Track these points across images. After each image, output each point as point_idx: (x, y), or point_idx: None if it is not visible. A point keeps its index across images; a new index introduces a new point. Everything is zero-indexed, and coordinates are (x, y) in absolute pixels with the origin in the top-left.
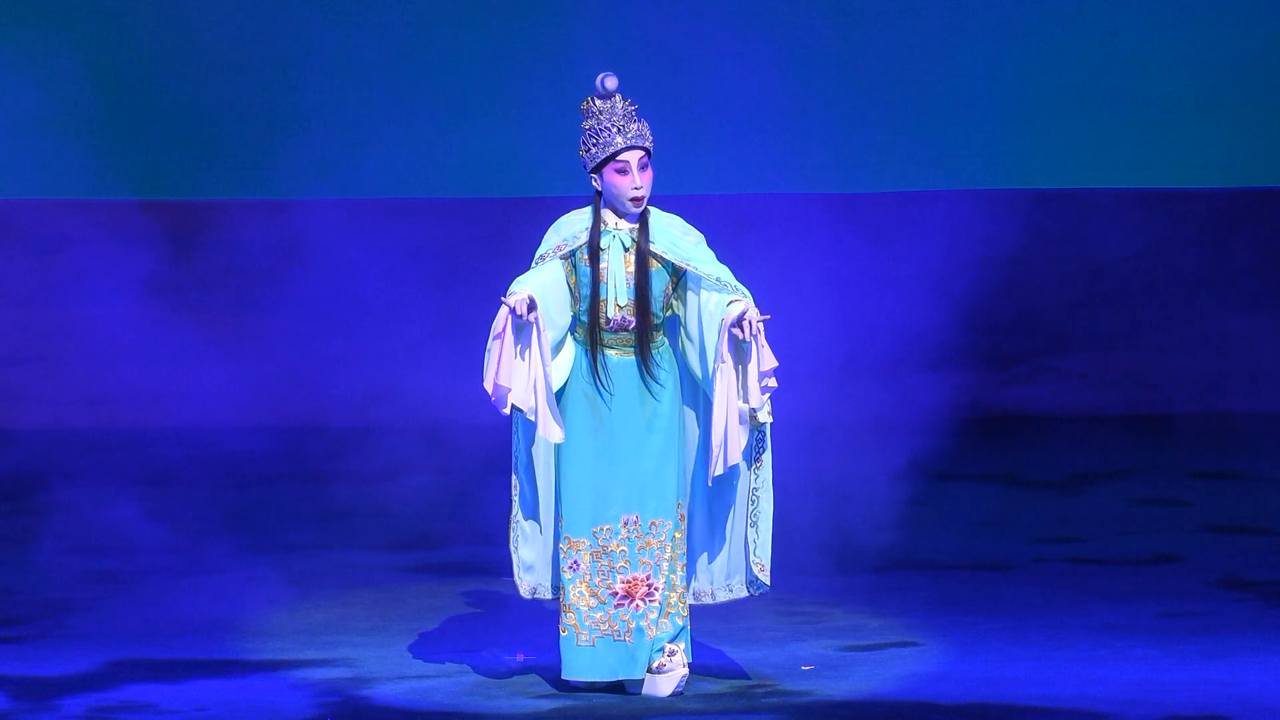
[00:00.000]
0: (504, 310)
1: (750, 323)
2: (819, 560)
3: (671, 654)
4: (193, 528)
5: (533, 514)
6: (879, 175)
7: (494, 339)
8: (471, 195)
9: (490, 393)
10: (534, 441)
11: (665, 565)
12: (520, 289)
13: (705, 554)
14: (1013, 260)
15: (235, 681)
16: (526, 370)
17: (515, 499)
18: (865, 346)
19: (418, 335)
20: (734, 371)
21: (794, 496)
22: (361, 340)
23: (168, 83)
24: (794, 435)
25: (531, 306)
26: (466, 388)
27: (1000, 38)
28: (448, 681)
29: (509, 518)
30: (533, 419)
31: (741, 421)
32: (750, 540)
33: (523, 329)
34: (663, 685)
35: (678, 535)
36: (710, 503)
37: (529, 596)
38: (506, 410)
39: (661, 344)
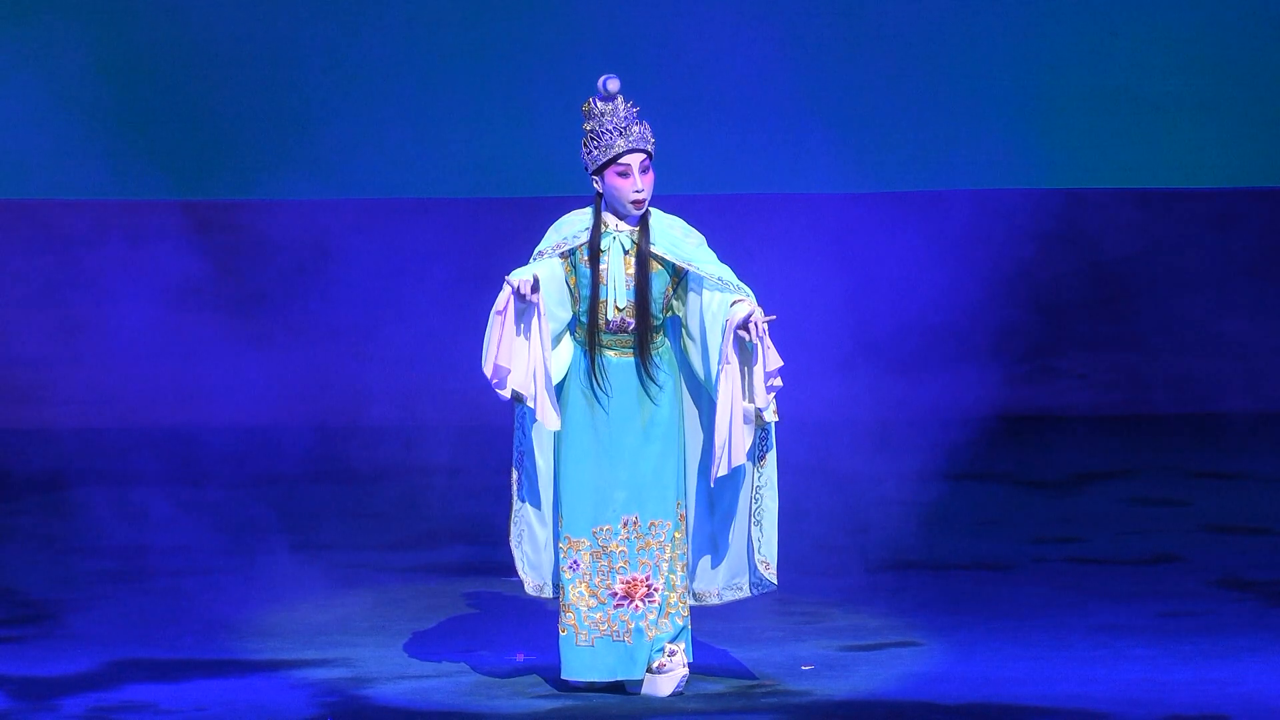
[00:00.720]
0: (506, 290)
1: (756, 324)
2: (819, 560)
3: (671, 654)
4: (194, 527)
5: (536, 510)
6: (878, 176)
7: (495, 315)
8: (486, 195)
9: (490, 375)
10: (539, 435)
11: (665, 565)
12: (523, 272)
13: (709, 554)
14: (1012, 260)
15: (235, 681)
16: (526, 354)
17: (517, 495)
18: (865, 347)
19: (428, 335)
20: (739, 372)
21: (794, 496)
22: (369, 340)
23: (187, 84)
24: (794, 436)
25: (535, 287)
26: (472, 387)
27: (1000, 37)
28: (448, 681)
29: (509, 514)
30: (531, 405)
31: (746, 421)
32: (754, 539)
33: (524, 312)
34: (663, 685)
35: (678, 535)
36: (713, 503)
37: (534, 594)
38: (506, 393)
39: (662, 345)
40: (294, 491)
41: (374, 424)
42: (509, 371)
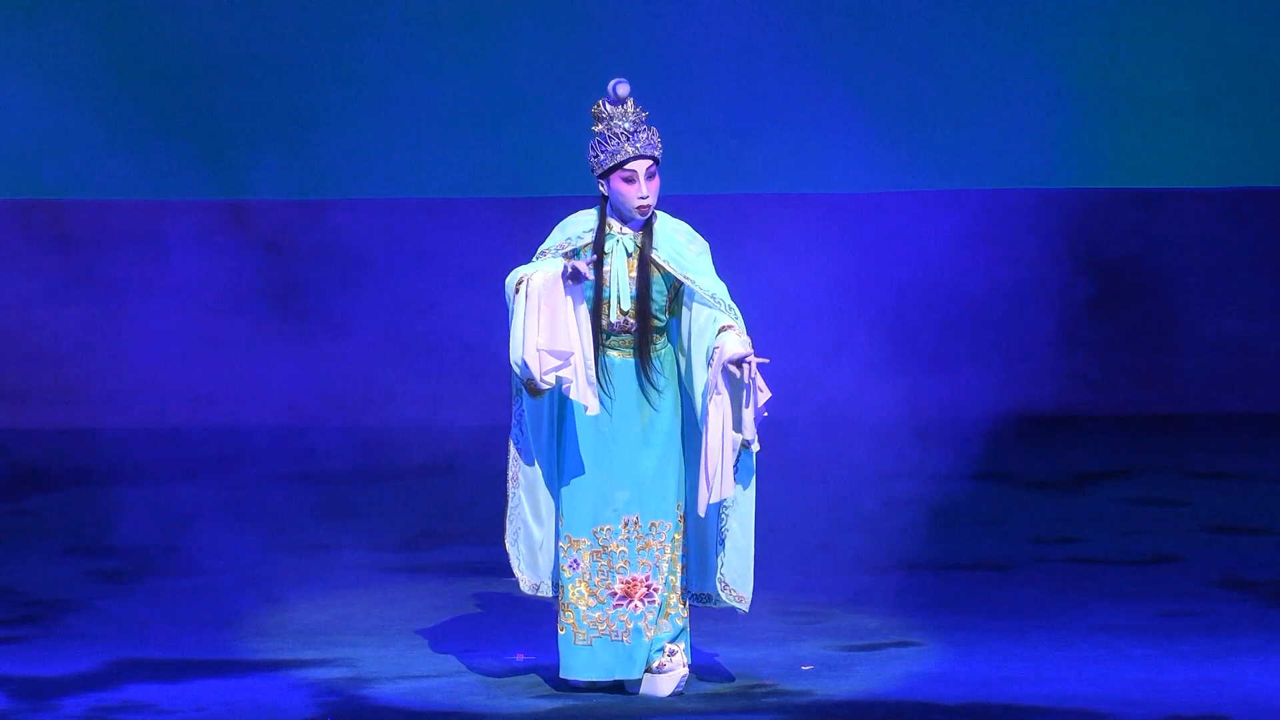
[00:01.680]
0: (544, 273)
1: (749, 365)
2: (819, 560)
3: (671, 654)
4: (197, 528)
5: (534, 508)
6: (878, 176)
7: (534, 301)
8: (487, 195)
9: (535, 364)
10: (538, 434)
11: (665, 566)
12: (532, 271)
13: (700, 559)
14: (1013, 260)
15: (235, 681)
16: (567, 340)
17: (513, 493)
18: (865, 347)
19: (438, 335)
20: (729, 405)
21: (795, 495)
22: (381, 341)
23: (196, 85)
24: (794, 435)
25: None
26: (479, 386)
27: (1000, 38)
28: (448, 681)
29: (506, 512)
30: (575, 396)
31: (734, 450)
32: (718, 558)
33: (567, 296)
34: (663, 685)
35: (678, 536)
36: (698, 516)
37: (530, 593)
38: (551, 380)
39: (663, 347)
40: (297, 492)
41: (382, 424)
42: (570, 353)
